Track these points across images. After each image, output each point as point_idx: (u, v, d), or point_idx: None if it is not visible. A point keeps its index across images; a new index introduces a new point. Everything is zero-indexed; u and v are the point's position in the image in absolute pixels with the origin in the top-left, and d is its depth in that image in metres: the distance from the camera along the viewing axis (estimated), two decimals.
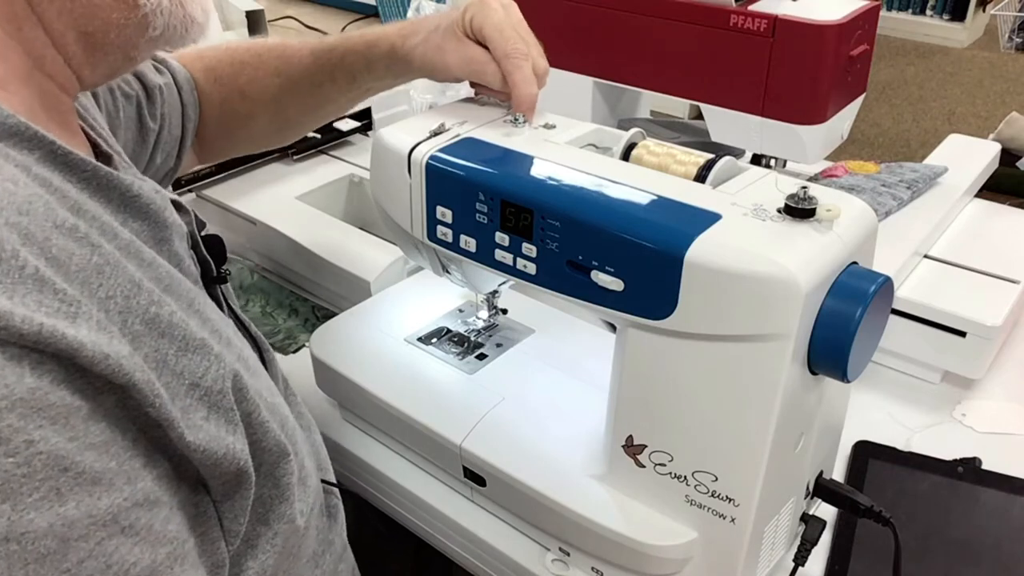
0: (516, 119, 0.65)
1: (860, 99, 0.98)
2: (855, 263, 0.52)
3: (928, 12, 4.31)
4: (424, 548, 0.75)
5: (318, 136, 1.13)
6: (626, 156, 0.61)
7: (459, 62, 0.68)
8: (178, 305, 0.43)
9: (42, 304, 0.35)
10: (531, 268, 0.58)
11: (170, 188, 0.55)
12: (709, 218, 0.52)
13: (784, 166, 1.01)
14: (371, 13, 2.09)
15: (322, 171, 1.11)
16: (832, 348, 0.50)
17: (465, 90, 0.74)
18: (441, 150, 0.62)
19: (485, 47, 0.67)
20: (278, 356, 0.87)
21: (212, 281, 0.55)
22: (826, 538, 0.66)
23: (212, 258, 0.56)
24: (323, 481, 0.61)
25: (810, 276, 0.48)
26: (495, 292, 0.75)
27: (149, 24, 0.47)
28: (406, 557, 0.80)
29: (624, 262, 0.53)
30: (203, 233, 0.56)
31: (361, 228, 0.96)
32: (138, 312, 0.40)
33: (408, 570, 0.80)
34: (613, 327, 0.58)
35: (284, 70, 0.79)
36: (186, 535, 0.41)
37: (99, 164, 0.44)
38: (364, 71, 0.76)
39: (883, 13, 3.80)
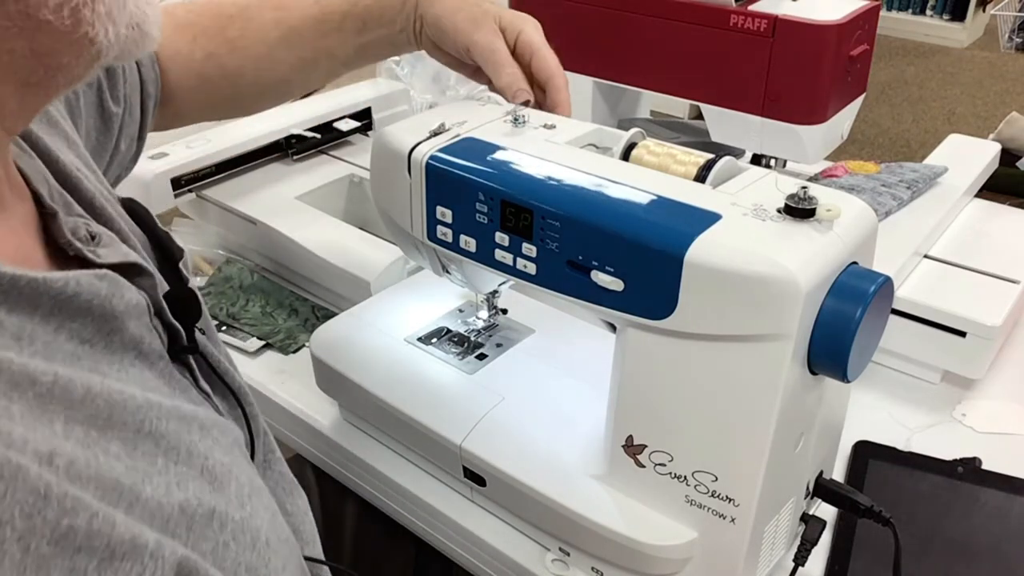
0: (516, 119, 0.65)
1: (860, 99, 0.98)
2: (855, 263, 0.52)
3: (928, 12, 4.31)
4: (424, 549, 0.75)
5: (318, 136, 1.13)
6: (626, 156, 0.61)
7: (487, 45, 0.69)
8: (121, 446, 0.38)
9: None
10: (531, 268, 0.58)
11: (127, 247, 0.47)
12: (709, 218, 0.52)
13: (784, 166, 1.01)
14: None
15: (322, 171, 1.10)
16: (832, 348, 0.50)
17: (465, 90, 0.74)
18: (441, 150, 0.62)
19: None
20: (278, 356, 0.88)
21: (182, 351, 0.49)
22: (826, 538, 0.66)
23: (182, 320, 0.49)
24: (307, 558, 0.54)
25: (810, 276, 0.48)
26: (495, 292, 0.75)
27: (102, 55, 0.41)
28: (406, 558, 0.80)
29: (624, 262, 0.53)
30: (176, 283, 0.50)
31: (361, 228, 0.96)
32: (45, 532, 0.32)
33: (408, 571, 0.80)
34: (613, 327, 0.58)
35: (284, 20, 0.76)
36: None
37: (18, 274, 0.37)
38: (376, 19, 0.74)
39: (883, 13, 3.80)
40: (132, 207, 0.53)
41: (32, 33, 0.38)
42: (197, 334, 0.50)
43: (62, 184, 0.48)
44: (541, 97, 0.71)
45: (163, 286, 0.49)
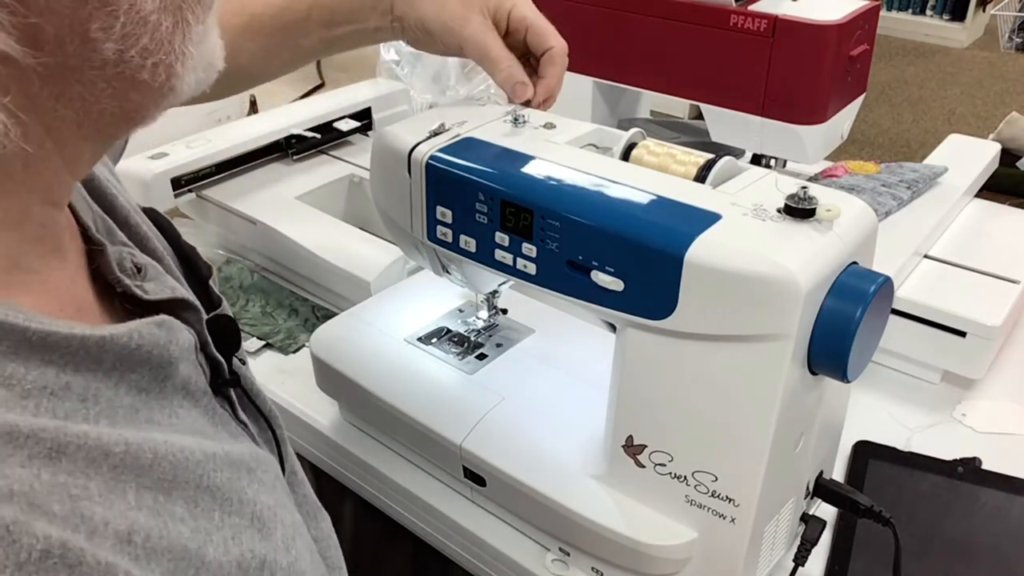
0: (516, 119, 0.65)
1: (860, 99, 0.98)
2: (855, 263, 0.52)
3: (928, 12, 4.31)
4: (423, 548, 0.75)
5: (318, 136, 1.13)
6: (626, 156, 0.61)
7: (479, 41, 0.67)
8: (184, 507, 0.37)
9: None
10: (531, 268, 0.58)
11: (172, 279, 0.46)
12: (709, 218, 0.52)
13: (784, 166, 1.01)
14: None
15: (322, 171, 1.10)
16: (832, 348, 0.50)
17: (465, 90, 0.74)
18: (441, 150, 0.62)
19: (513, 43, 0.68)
20: (278, 356, 0.88)
21: (224, 384, 0.48)
22: (826, 538, 0.66)
23: (223, 350, 0.48)
24: None
25: (810, 276, 0.48)
26: (495, 292, 0.75)
27: (178, 99, 0.40)
28: (405, 557, 0.80)
29: (624, 262, 0.53)
30: (212, 308, 0.49)
31: (361, 228, 0.96)
32: None
33: (406, 570, 0.80)
34: (613, 327, 0.58)
35: (246, 7, 0.73)
36: None
37: (87, 334, 0.36)
38: (345, 12, 0.72)
39: (883, 13, 3.80)
40: (156, 218, 0.52)
41: (126, 93, 0.37)
42: (236, 364, 0.49)
43: (99, 204, 0.47)
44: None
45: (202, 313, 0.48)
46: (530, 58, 0.70)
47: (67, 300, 0.40)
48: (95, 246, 0.43)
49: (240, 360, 0.50)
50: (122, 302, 0.43)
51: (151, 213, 0.52)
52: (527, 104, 0.68)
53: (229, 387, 0.48)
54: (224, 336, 0.48)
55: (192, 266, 0.51)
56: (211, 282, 0.51)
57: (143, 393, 0.39)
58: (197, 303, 0.47)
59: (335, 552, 0.56)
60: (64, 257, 0.41)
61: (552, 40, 0.69)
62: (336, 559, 0.56)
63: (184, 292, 0.46)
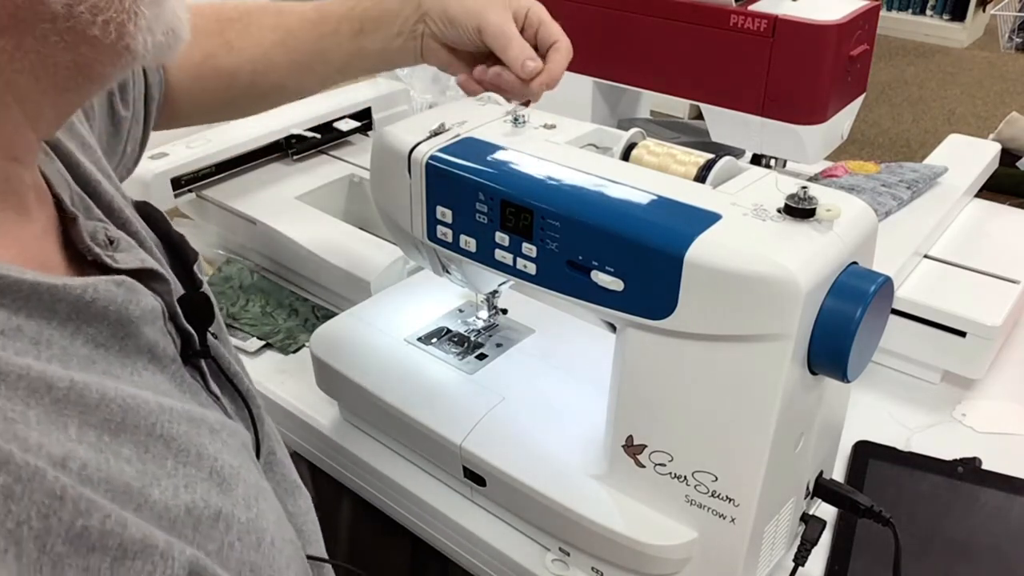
0: (516, 119, 0.65)
1: (860, 99, 0.98)
2: (855, 263, 0.52)
3: (928, 12, 4.31)
4: (421, 547, 0.75)
5: (318, 136, 1.13)
6: (626, 156, 0.61)
7: (499, 23, 0.71)
8: (133, 449, 0.39)
9: None
10: (531, 268, 0.58)
11: (144, 252, 0.48)
12: (709, 218, 0.52)
13: (784, 166, 1.01)
14: None
15: (322, 171, 1.10)
16: (832, 348, 0.50)
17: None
18: (441, 150, 0.62)
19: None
20: (278, 356, 0.88)
21: (195, 355, 0.49)
22: (826, 538, 0.66)
23: (196, 324, 0.49)
24: (309, 557, 0.54)
25: (810, 276, 0.48)
26: (495, 292, 0.75)
27: (137, 61, 0.42)
28: (403, 556, 0.80)
29: (624, 262, 0.53)
30: (190, 288, 0.51)
31: (361, 228, 0.96)
32: (60, 531, 0.33)
33: (405, 569, 0.80)
34: (613, 327, 0.58)
35: (281, 23, 0.77)
36: None
37: (39, 280, 0.38)
38: (374, 20, 0.75)
39: (883, 13, 3.80)
40: (146, 211, 0.53)
41: (77, 47, 0.39)
42: (209, 338, 0.50)
43: (82, 188, 0.48)
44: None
45: (178, 290, 0.49)
46: (536, 51, 0.73)
47: (30, 256, 0.42)
48: (68, 216, 0.45)
49: (214, 335, 0.51)
50: (93, 272, 0.44)
51: (141, 206, 0.53)
52: (526, 104, 0.68)
53: (199, 358, 0.49)
54: (197, 311, 0.49)
55: (179, 252, 0.53)
56: (195, 267, 0.53)
57: (101, 348, 0.41)
58: (168, 274, 0.48)
59: (312, 527, 0.58)
60: (29, 216, 0.43)
61: (560, 37, 0.73)
62: (313, 533, 0.58)
63: (153, 263, 0.47)
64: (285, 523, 0.49)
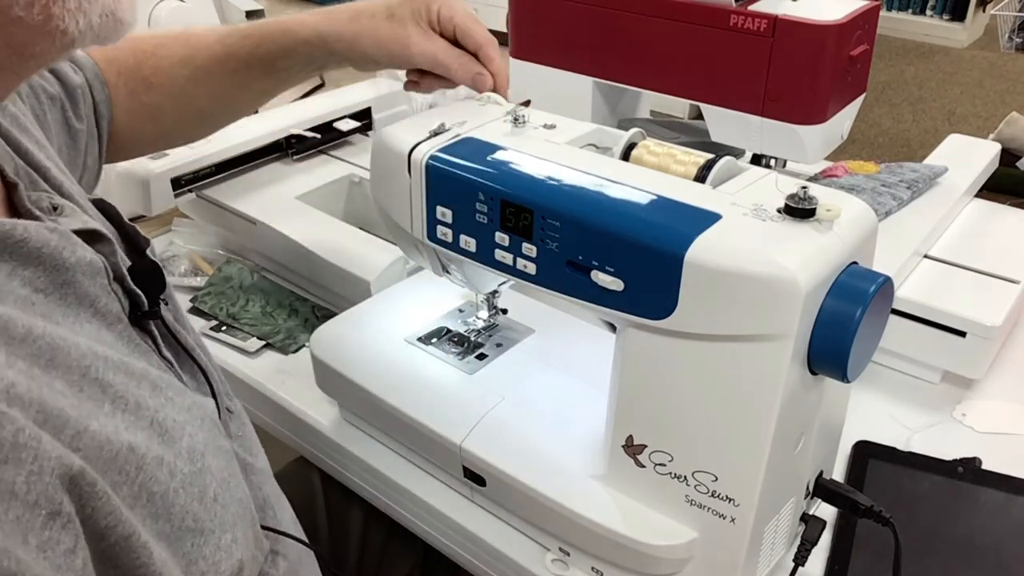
0: (516, 119, 0.65)
1: (860, 99, 0.98)
2: (855, 263, 0.52)
3: (928, 12, 4.31)
4: (431, 553, 0.75)
5: (318, 136, 1.13)
6: (626, 156, 0.61)
7: (426, 53, 0.69)
8: (65, 386, 0.39)
9: None
10: (531, 268, 0.58)
11: (89, 217, 0.49)
12: (709, 218, 0.52)
13: (784, 166, 1.01)
14: None
15: (322, 171, 1.10)
16: (832, 348, 0.50)
17: (465, 90, 0.74)
18: (441, 150, 0.62)
19: (448, 41, 0.69)
20: (278, 356, 0.88)
21: (143, 316, 0.50)
22: (826, 538, 0.66)
23: (145, 290, 0.50)
24: (264, 527, 0.54)
25: (810, 276, 0.48)
26: (495, 292, 0.75)
27: (76, 43, 0.43)
28: (413, 562, 0.80)
29: (624, 262, 0.53)
30: (140, 259, 0.52)
31: (361, 228, 0.96)
32: None
33: (415, 574, 0.80)
34: (613, 327, 0.58)
35: (191, 58, 0.76)
36: None
37: None
38: (283, 58, 0.74)
39: (883, 13, 3.79)
40: (102, 206, 0.55)
41: (4, 27, 0.40)
42: (161, 305, 0.52)
43: (29, 166, 0.50)
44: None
45: (126, 261, 0.50)
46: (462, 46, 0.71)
47: None
48: (9, 183, 0.47)
49: (165, 303, 0.53)
50: None
51: (98, 202, 0.55)
52: (526, 104, 0.68)
53: (147, 319, 0.50)
54: (146, 278, 0.51)
55: (132, 241, 0.54)
56: (148, 251, 0.54)
57: (41, 293, 0.42)
58: (112, 237, 0.49)
59: (271, 488, 0.59)
60: None
61: (479, 37, 0.70)
62: (272, 490, 0.59)
63: (97, 225, 0.49)
64: (239, 485, 0.50)
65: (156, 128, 0.80)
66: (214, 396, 0.55)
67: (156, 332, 0.51)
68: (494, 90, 0.70)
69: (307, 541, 0.61)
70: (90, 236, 0.47)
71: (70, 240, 0.45)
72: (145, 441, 0.42)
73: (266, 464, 0.61)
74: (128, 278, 0.49)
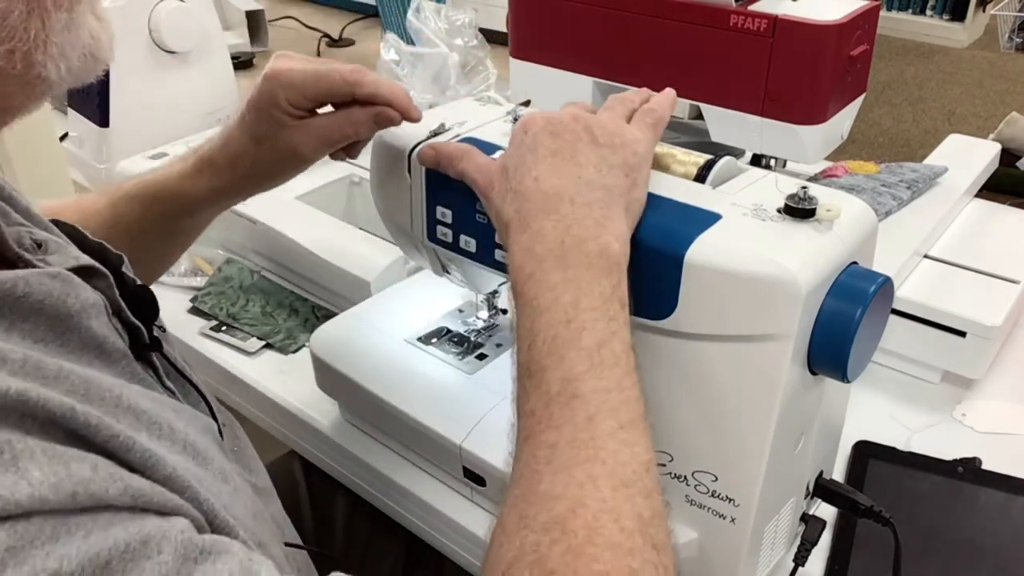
0: (516, 119, 0.65)
1: (860, 99, 0.98)
2: (855, 263, 0.52)
3: (928, 12, 4.31)
4: (416, 543, 0.75)
5: None
6: None
7: (319, 139, 0.65)
8: (103, 414, 0.38)
9: None
10: None
11: (74, 247, 0.47)
12: (709, 218, 0.52)
13: (784, 166, 1.01)
14: (371, 13, 2.08)
15: (322, 171, 1.10)
16: (832, 348, 0.50)
17: (465, 90, 0.74)
18: None
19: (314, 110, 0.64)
20: (278, 356, 0.88)
21: (145, 348, 0.49)
22: (826, 538, 0.66)
23: (141, 319, 0.49)
24: (287, 544, 0.55)
25: (810, 276, 0.48)
26: (495, 292, 0.75)
27: (53, 88, 0.41)
28: (398, 552, 0.80)
29: None
30: (125, 285, 0.49)
31: (361, 228, 0.96)
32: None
33: (399, 565, 0.80)
34: None
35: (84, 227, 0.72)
36: None
37: None
38: (185, 217, 0.71)
39: (883, 13, 3.79)
40: (59, 225, 0.51)
41: None
42: (157, 332, 0.50)
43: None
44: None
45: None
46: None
47: None
48: None
49: (161, 329, 0.51)
50: None
51: (54, 222, 0.52)
52: (526, 104, 0.68)
53: (150, 351, 0.48)
54: (141, 306, 0.49)
55: (104, 259, 0.50)
56: (123, 268, 0.51)
57: (40, 344, 0.39)
58: (105, 270, 0.47)
59: (276, 507, 0.59)
60: None
61: (333, 85, 0.63)
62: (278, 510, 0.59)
63: (89, 260, 0.46)
64: (257, 501, 0.50)
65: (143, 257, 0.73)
66: (214, 418, 0.54)
67: (158, 363, 0.50)
68: (399, 110, 0.63)
69: (331, 553, 0.60)
70: (85, 272, 0.45)
71: (72, 284, 0.42)
72: (184, 463, 0.41)
73: (268, 483, 0.60)
74: (126, 310, 0.47)
